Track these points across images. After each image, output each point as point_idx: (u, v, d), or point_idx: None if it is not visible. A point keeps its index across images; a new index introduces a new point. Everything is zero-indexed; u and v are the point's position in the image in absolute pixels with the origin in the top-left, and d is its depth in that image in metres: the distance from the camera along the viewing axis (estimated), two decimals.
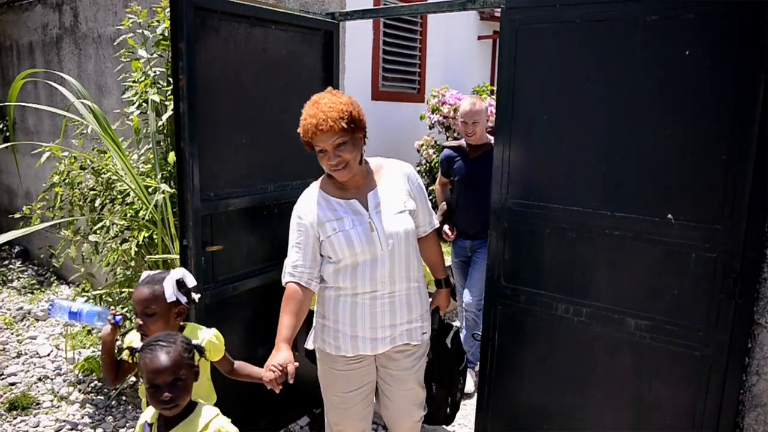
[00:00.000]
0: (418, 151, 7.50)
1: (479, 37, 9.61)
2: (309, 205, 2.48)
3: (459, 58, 9.08)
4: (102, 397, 3.93)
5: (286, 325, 2.37)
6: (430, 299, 2.84)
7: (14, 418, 3.74)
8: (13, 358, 4.58)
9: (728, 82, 2.18)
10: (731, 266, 2.25)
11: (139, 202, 3.69)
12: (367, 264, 2.41)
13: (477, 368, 4.08)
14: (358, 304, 2.47)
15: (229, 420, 2.05)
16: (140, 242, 3.61)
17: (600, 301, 2.56)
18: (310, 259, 2.46)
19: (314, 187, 2.55)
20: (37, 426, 3.69)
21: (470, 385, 4.10)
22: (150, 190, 3.64)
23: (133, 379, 3.99)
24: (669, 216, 2.35)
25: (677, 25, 2.26)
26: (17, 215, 4.64)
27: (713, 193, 2.25)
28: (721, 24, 2.17)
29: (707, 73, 2.22)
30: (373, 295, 2.46)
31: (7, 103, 3.77)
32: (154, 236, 3.63)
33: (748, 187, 2.17)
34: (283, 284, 2.51)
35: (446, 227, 4.19)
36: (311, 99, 2.40)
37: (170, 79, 3.53)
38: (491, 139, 3.85)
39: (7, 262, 7.00)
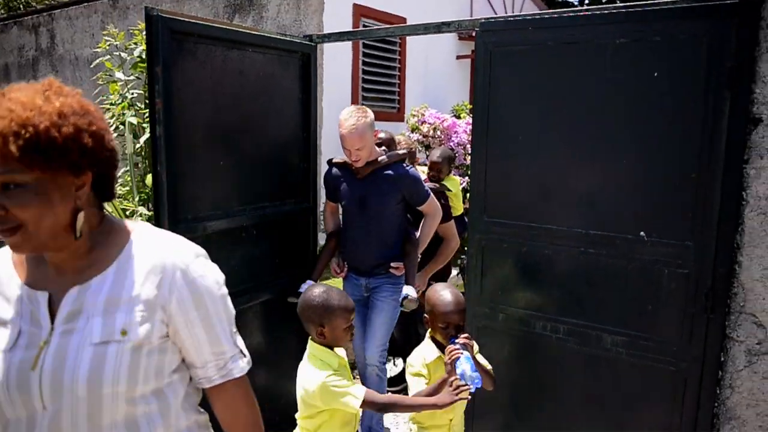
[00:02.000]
0: None
1: (458, 57, 9.72)
2: None
3: (438, 78, 9.17)
4: None
5: None
6: None
7: None
8: None
9: (695, 101, 2.23)
10: (703, 282, 2.29)
11: None
12: (18, 425, 1.19)
13: None
14: None
15: None
16: None
17: (577, 318, 2.59)
18: None
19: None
20: None
21: None
22: (128, 213, 3.62)
23: None
24: (642, 233, 2.39)
25: (645, 47, 2.32)
26: None
27: (684, 211, 2.30)
28: (687, 46, 2.23)
29: (675, 94, 2.28)
30: None
31: None
32: None
33: (717, 205, 2.22)
34: None
35: (334, 262, 3.49)
36: None
37: (147, 102, 3.53)
38: (382, 155, 3.26)
39: None
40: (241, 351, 1.35)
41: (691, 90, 2.25)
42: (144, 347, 1.20)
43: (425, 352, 2.37)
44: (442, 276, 3.90)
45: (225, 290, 1.35)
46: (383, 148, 3.48)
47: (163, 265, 1.23)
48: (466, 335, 2.24)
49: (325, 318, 2.18)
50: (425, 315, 2.40)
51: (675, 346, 2.38)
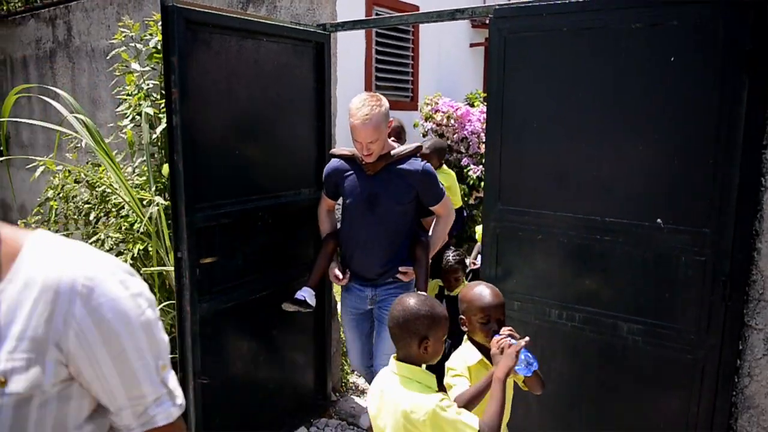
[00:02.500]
0: None
1: (471, 45, 9.66)
2: None
3: (451, 66, 9.13)
4: None
5: None
6: None
7: None
8: None
9: (713, 86, 2.21)
10: (720, 269, 2.27)
11: (134, 214, 3.70)
12: None
13: None
14: None
15: None
16: (135, 255, 3.62)
17: (593, 306, 2.58)
18: None
19: None
20: None
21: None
22: (144, 202, 3.65)
23: None
24: (658, 220, 2.38)
25: (662, 32, 2.29)
26: None
27: (701, 197, 2.28)
28: (705, 30, 2.21)
29: (692, 79, 2.25)
30: None
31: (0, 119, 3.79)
32: (149, 249, 3.65)
33: (735, 191, 2.20)
34: None
35: (335, 268, 3.15)
36: None
37: (163, 92, 3.55)
38: (397, 146, 3.07)
39: None
40: (170, 392, 1.03)
41: (708, 74, 2.22)
42: (34, 399, 0.90)
43: (466, 355, 2.17)
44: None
45: (151, 315, 1.00)
46: (392, 138, 3.20)
47: (57, 288, 0.91)
48: (509, 328, 2.08)
49: (431, 330, 1.93)
50: (461, 317, 2.22)
51: (692, 334, 2.37)
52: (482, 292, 2.15)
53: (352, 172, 3.05)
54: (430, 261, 3.16)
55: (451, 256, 3.69)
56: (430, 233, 3.16)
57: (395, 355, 2.00)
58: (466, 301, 2.20)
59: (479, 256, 3.88)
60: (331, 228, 3.27)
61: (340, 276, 3.11)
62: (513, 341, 1.98)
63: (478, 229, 4.07)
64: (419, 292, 2.19)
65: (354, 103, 2.84)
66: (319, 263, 3.17)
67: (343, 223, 3.15)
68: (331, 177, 3.13)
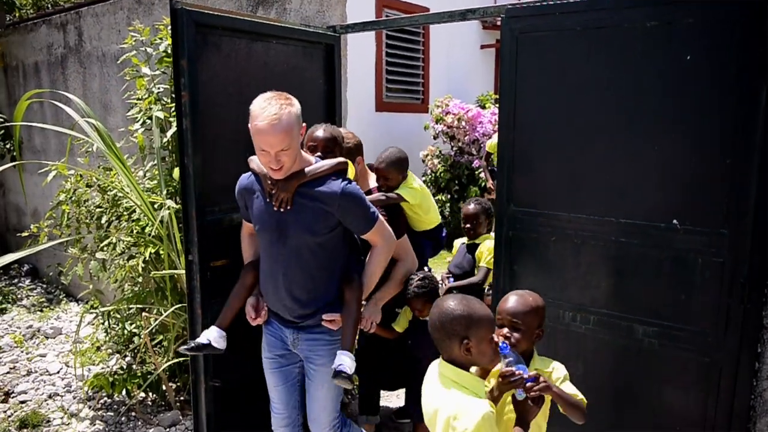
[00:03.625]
0: (423, 161, 7.51)
1: (482, 46, 9.64)
2: None
3: (462, 68, 9.11)
4: (112, 414, 3.93)
5: None
6: None
7: None
8: (24, 376, 4.59)
9: (729, 86, 2.17)
10: (738, 271, 2.23)
11: (145, 218, 3.70)
12: None
13: None
14: None
15: None
16: (147, 258, 3.62)
17: (607, 309, 2.55)
18: None
19: None
20: None
21: None
22: (156, 206, 3.65)
23: (142, 395, 3.99)
24: (674, 222, 2.34)
25: (678, 30, 2.26)
26: (25, 233, 4.67)
27: (718, 199, 2.24)
28: (722, 29, 2.17)
29: (708, 78, 2.22)
30: None
31: (12, 123, 3.81)
32: (161, 252, 3.65)
33: (752, 192, 2.16)
34: None
35: (250, 303, 2.62)
36: None
37: (174, 96, 3.55)
38: (314, 161, 2.49)
39: (16, 280, 7.04)
40: None
41: (725, 73, 2.18)
42: None
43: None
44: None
45: None
46: (318, 154, 2.64)
47: None
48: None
49: (471, 330, 1.87)
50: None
51: (709, 336, 2.33)
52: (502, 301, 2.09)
53: (259, 192, 2.48)
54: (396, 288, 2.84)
55: (414, 283, 2.96)
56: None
57: (442, 355, 1.97)
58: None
59: (450, 278, 3.74)
60: (253, 255, 2.68)
61: (253, 315, 2.59)
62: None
63: (457, 242, 3.99)
64: (467, 296, 1.98)
65: (257, 102, 2.30)
66: (233, 298, 2.62)
67: (261, 253, 2.59)
68: (240, 196, 2.58)
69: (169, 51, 3.78)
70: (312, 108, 3.35)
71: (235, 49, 2.85)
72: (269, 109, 2.23)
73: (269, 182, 2.40)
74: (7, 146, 7.00)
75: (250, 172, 2.53)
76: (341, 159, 2.53)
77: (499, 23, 2.74)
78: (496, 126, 2.88)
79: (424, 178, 7.29)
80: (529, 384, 1.85)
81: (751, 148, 2.15)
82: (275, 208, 2.38)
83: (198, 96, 2.66)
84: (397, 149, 3.17)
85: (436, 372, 1.97)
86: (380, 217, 2.52)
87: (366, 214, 2.44)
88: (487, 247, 3.68)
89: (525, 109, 2.67)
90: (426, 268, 3.33)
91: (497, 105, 2.97)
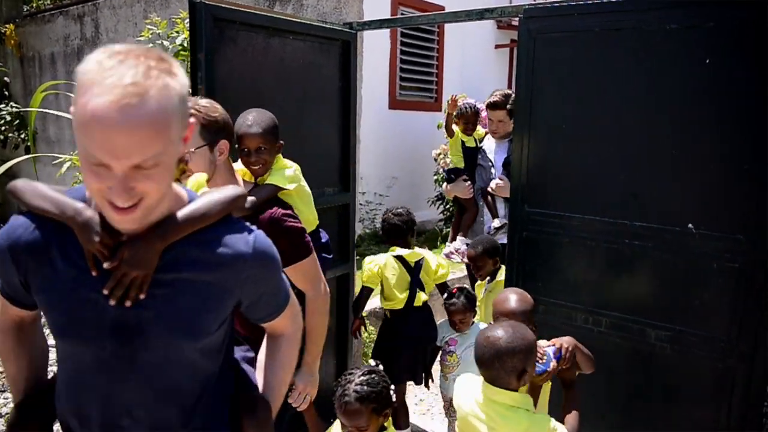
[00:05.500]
0: (435, 159, 7.50)
1: (496, 46, 9.60)
2: None
3: (476, 67, 9.08)
4: None
5: None
6: None
7: None
8: None
9: (749, 90, 2.15)
10: (754, 277, 2.21)
11: None
12: None
13: None
14: None
15: None
16: None
17: (620, 312, 2.54)
18: None
19: None
20: None
21: None
22: None
23: None
24: (690, 226, 2.32)
25: (697, 33, 2.24)
26: None
27: (734, 203, 2.22)
28: (742, 32, 2.15)
29: (727, 82, 2.20)
30: None
31: (27, 109, 3.83)
32: None
33: None
34: None
35: None
36: None
37: (190, 89, 3.56)
38: (184, 192, 1.34)
39: None
40: None
41: (744, 78, 2.17)
42: None
43: None
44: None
45: None
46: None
47: None
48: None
49: (529, 361, 1.86)
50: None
51: (723, 342, 2.31)
52: (503, 296, 2.19)
53: (62, 259, 1.24)
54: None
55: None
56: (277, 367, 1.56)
57: (493, 382, 1.90)
58: (495, 310, 2.20)
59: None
60: (31, 376, 1.48)
61: None
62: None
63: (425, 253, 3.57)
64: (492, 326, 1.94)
65: (94, 58, 1.09)
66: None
67: (64, 375, 1.37)
68: (13, 259, 1.26)
69: (186, 44, 3.79)
70: (327, 104, 3.35)
71: (251, 44, 2.85)
72: (119, 73, 1.05)
73: (98, 239, 1.20)
74: (22, 136, 7.06)
75: (29, 217, 1.27)
76: (238, 189, 1.42)
77: (514, 23, 2.73)
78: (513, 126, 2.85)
79: (436, 177, 7.26)
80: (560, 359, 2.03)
81: None
82: (112, 301, 1.20)
83: (215, 90, 2.66)
84: (262, 111, 2.22)
85: (489, 399, 1.90)
86: (292, 297, 1.52)
87: (279, 286, 1.44)
88: (438, 263, 3.47)
89: (540, 110, 2.66)
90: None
91: (513, 103, 2.95)
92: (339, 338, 3.66)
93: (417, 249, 3.42)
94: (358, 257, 3.84)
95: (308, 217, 2.34)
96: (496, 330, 1.87)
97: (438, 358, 3.32)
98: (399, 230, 3.35)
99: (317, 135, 3.31)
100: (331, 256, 2.54)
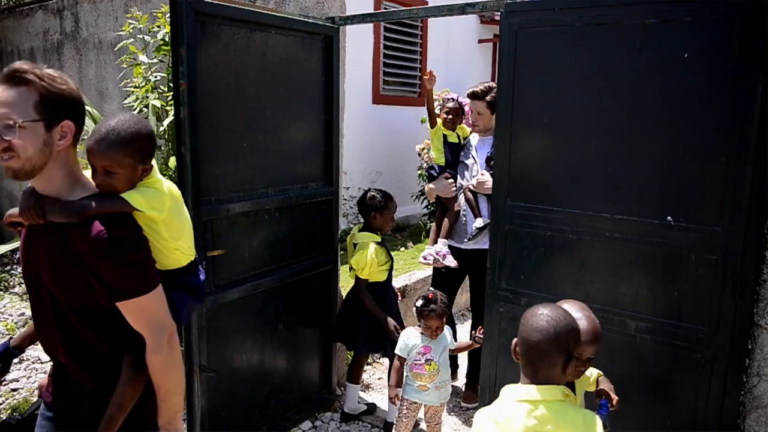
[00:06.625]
0: (419, 154, 7.51)
1: (480, 41, 9.62)
2: None
3: (460, 62, 9.10)
4: None
5: None
6: None
7: None
8: (15, 363, 4.58)
9: (727, 84, 2.18)
10: (731, 268, 2.25)
11: None
12: None
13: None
14: None
15: None
16: None
17: (601, 304, 2.56)
18: None
19: None
20: None
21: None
22: None
23: None
24: (669, 218, 2.35)
25: (676, 28, 2.26)
26: None
27: (712, 196, 2.26)
28: (720, 27, 2.18)
29: (706, 76, 2.23)
30: None
31: None
32: None
33: (747, 190, 2.18)
34: None
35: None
36: None
37: (171, 85, 3.54)
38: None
39: (9, 267, 7.01)
40: None
41: (722, 72, 2.20)
42: None
43: None
44: None
45: None
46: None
47: None
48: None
49: (577, 346, 1.75)
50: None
51: (701, 333, 2.35)
52: (580, 323, 1.82)
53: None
54: None
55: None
56: None
57: (525, 380, 1.73)
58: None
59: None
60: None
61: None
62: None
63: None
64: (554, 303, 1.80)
65: None
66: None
67: None
68: None
69: (167, 39, 3.77)
70: (310, 99, 3.35)
71: (233, 39, 2.84)
72: None
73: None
74: None
75: None
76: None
77: (497, 18, 2.74)
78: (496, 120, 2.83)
79: (419, 172, 7.28)
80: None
81: (746, 146, 2.16)
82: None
83: (196, 85, 2.65)
84: (133, 116, 1.76)
85: (540, 399, 1.66)
86: (135, 292, 1.61)
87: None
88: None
89: (522, 104, 2.68)
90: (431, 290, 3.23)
91: (496, 98, 2.96)
92: (323, 336, 3.67)
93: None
94: (342, 252, 3.84)
95: (171, 248, 1.83)
96: (547, 305, 1.78)
97: (408, 369, 3.13)
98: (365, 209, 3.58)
99: (300, 130, 3.31)
100: (197, 302, 2.02)
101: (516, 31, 2.65)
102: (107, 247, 1.57)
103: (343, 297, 3.71)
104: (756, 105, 2.13)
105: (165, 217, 1.76)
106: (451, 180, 3.79)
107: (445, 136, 3.88)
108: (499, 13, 2.73)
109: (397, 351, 3.13)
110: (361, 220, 3.68)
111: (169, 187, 1.84)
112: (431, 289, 3.37)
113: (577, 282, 2.62)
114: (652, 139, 2.36)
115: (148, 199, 1.72)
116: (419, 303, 3.07)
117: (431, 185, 3.86)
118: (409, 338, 3.13)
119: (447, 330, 3.15)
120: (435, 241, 3.83)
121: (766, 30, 2.09)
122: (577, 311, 1.95)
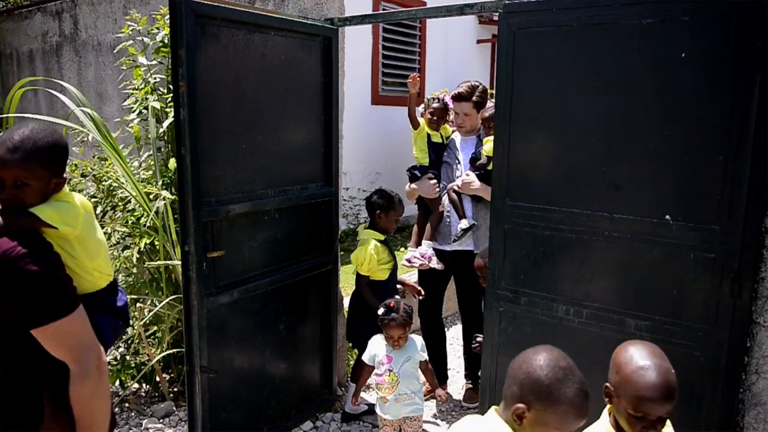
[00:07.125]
0: None
1: (478, 41, 9.64)
2: None
3: (458, 62, 9.11)
4: None
5: None
6: None
7: None
8: None
9: (724, 83, 2.19)
10: (730, 266, 2.26)
11: (140, 208, 3.70)
12: None
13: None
14: None
15: None
16: (142, 249, 3.63)
17: (600, 302, 2.58)
18: None
19: None
20: None
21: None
22: (151, 196, 3.65)
23: (136, 386, 4.00)
24: (667, 217, 2.36)
25: (673, 28, 2.27)
26: None
27: (711, 194, 2.27)
28: (717, 26, 2.19)
29: (703, 75, 2.24)
30: None
31: (5, 115, 3.79)
32: (156, 243, 3.65)
33: (745, 188, 2.19)
34: None
35: None
36: None
37: (170, 86, 3.55)
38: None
39: None
40: None
41: (719, 71, 2.21)
42: None
43: None
44: None
45: None
46: None
47: None
48: None
49: (550, 405, 1.63)
50: (607, 385, 1.80)
51: (700, 331, 2.36)
52: (646, 378, 1.67)
53: None
54: None
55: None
56: None
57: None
58: (620, 374, 1.74)
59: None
60: None
61: None
62: None
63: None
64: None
65: None
66: None
67: None
68: None
69: (167, 41, 3.77)
70: (309, 100, 3.36)
71: (233, 41, 2.85)
72: None
73: None
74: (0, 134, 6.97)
75: None
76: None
77: (495, 18, 2.75)
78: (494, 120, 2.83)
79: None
80: None
81: (744, 145, 2.17)
82: None
83: (196, 86, 2.66)
84: (47, 126, 1.68)
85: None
86: (60, 314, 1.49)
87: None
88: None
89: (521, 104, 2.69)
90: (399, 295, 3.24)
91: (494, 99, 2.97)
92: (323, 336, 3.68)
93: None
94: (342, 252, 3.85)
95: (87, 268, 1.70)
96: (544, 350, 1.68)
97: (373, 380, 3.11)
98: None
99: (300, 131, 3.32)
100: (121, 324, 1.92)
101: (514, 32, 2.66)
102: (17, 267, 1.42)
103: (343, 297, 3.72)
104: (754, 104, 2.14)
105: (79, 233, 1.63)
106: (434, 181, 3.75)
107: (428, 135, 3.84)
108: (497, 14, 2.75)
109: (363, 357, 3.14)
110: (361, 221, 3.70)
111: (82, 201, 1.72)
112: (396, 297, 3.32)
113: (577, 281, 2.63)
114: (650, 139, 2.37)
115: (60, 214, 1.57)
116: (381, 311, 3.04)
117: (413, 186, 3.82)
118: (376, 346, 3.12)
119: (416, 341, 3.12)
120: (418, 243, 3.80)
121: (763, 29, 2.10)
122: (645, 358, 1.70)
